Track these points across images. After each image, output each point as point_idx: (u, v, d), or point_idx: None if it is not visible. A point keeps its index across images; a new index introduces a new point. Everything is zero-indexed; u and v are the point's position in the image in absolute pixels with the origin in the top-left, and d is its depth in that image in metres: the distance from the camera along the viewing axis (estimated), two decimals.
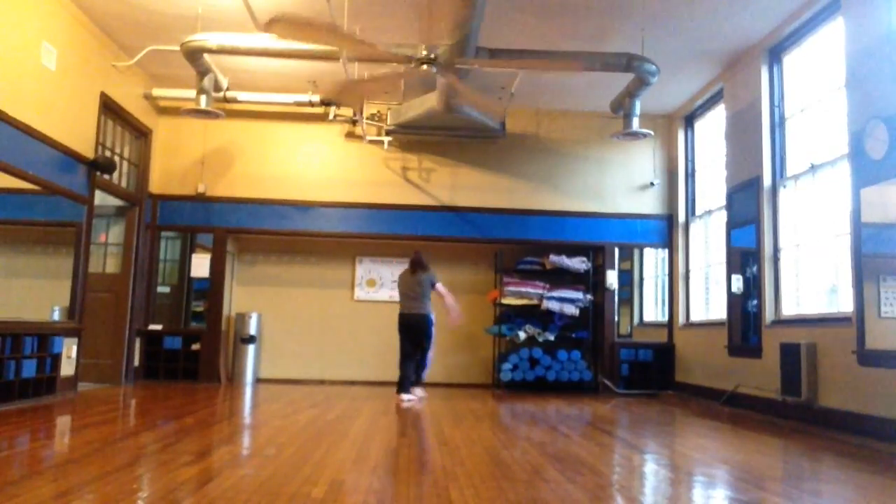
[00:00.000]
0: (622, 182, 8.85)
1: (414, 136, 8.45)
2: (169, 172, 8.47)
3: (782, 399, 5.93)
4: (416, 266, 7.03)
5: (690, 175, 8.68)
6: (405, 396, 6.74)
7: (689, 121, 8.71)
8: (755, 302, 6.65)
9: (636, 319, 9.40)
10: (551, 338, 8.48)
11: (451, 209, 8.63)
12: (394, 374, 8.75)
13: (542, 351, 8.42)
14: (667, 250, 8.87)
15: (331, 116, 8.32)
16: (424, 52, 5.07)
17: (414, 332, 6.87)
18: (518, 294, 8.56)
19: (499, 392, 8.18)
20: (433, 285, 7.01)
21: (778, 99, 6.67)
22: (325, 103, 8.15)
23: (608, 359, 8.54)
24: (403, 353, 6.91)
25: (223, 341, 8.48)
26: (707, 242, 8.26)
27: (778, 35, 6.46)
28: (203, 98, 6.97)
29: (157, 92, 8.04)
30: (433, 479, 3.26)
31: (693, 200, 8.62)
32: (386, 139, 8.52)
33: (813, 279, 6.15)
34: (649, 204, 8.84)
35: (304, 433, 4.55)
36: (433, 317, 7.00)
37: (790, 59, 6.57)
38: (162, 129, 8.45)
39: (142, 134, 8.13)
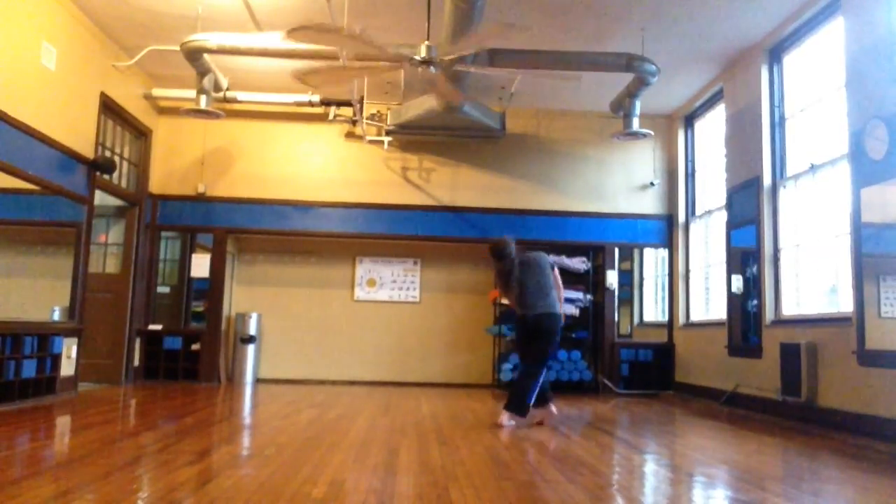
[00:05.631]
0: (622, 182, 8.85)
1: (414, 136, 8.45)
2: (169, 172, 8.47)
3: (782, 399, 5.93)
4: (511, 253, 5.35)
5: (690, 175, 8.68)
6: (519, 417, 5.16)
7: (689, 121, 8.71)
8: (755, 302, 6.65)
9: (636, 319, 9.40)
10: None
11: (451, 209, 8.63)
12: (393, 373, 8.80)
13: None
14: (667, 250, 8.87)
15: (331, 116, 8.32)
16: (424, 54, 5.06)
17: (545, 337, 5.22)
18: None
19: (499, 392, 8.18)
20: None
21: (778, 99, 6.67)
22: (326, 103, 8.15)
23: (608, 359, 8.54)
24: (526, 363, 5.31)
25: (223, 341, 8.47)
26: (707, 242, 8.26)
27: (778, 35, 6.46)
28: (203, 98, 6.96)
29: (157, 92, 8.04)
30: (433, 479, 3.25)
31: (693, 200, 8.62)
32: (386, 139, 8.52)
33: (813, 279, 6.15)
34: (649, 204, 8.84)
35: (304, 433, 4.55)
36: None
37: (790, 59, 6.57)
38: (162, 129, 8.45)
39: (142, 134, 8.13)
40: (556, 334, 5.29)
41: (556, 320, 5.27)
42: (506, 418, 5.08)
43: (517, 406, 5.05)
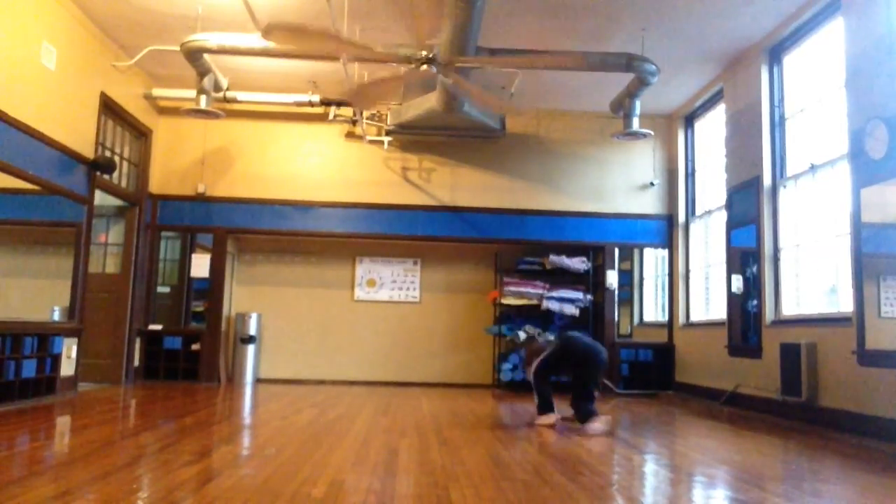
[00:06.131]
0: (622, 182, 8.84)
1: (414, 136, 8.45)
2: (169, 172, 8.47)
3: (782, 399, 5.93)
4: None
5: (690, 175, 8.68)
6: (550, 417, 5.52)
7: (689, 121, 8.71)
8: (755, 302, 6.65)
9: (636, 319, 9.40)
10: (551, 338, 8.47)
11: (451, 209, 8.63)
12: (393, 373, 8.81)
13: None
14: (667, 250, 8.87)
15: (331, 116, 8.32)
16: (424, 53, 5.07)
17: (594, 364, 5.50)
18: (518, 294, 8.56)
19: (499, 392, 8.18)
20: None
21: (778, 99, 6.67)
22: (326, 103, 8.15)
23: (608, 359, 8.53)
24: (549, 382, 5.63)
25: (223, 341, 8.47)
26: (707, 242, 8.26)
27: (778, 35, 6.46)
28: (203, 98, 6.96)
29: (157, 92, 8.04)
30: (433, 479, 3.25)
31: (693, 200, 8.62)
32: (386, 139, 8.52)
33: (813, 279, 6.15)
34: (649, 204, 8.84)
35: (304, 433, 4.55)
36: None
37: (790, 59, 6.57)
38: (162, 129, 8.45)
39: (142, 134, 8.13)
40: (603, 365, 5.53)
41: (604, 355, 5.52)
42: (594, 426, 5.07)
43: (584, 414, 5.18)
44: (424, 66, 5.09)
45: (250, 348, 8.53)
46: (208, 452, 3.89)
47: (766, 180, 6.58)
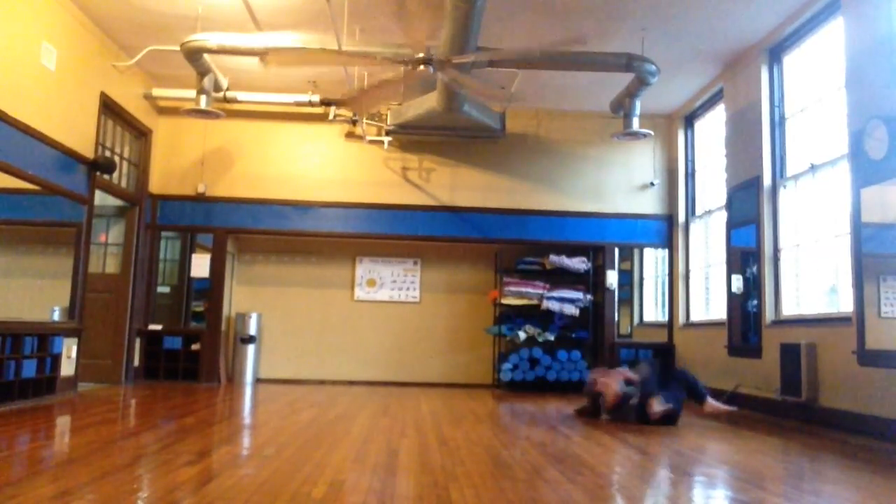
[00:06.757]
0: (622, 182, 8.85)
1: (414, 136, 8.45)
2: (169, 172, 8.47)
3: (782, 399, 5.93)
4: None
5: (690, 175, 8.68)
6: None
7: (689, 121, 8.71)
8: (755, 302, 6.65)
9: (636, 319, 9.40)
10: (551, 338, 8.48)
11: (451, 209, 8.63)
12: (393, 373, 8.81)
13: (543, 351, 8.42)
14: (667, 250, 8.87)
15: (331, 116, 8.32)
16: (423, 53, 5.07)
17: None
18: (518, 294, 8.57)
19: (499, 392, 8.18)
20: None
21: (778, 99, 6.67)
22: (326, 103, 8.14)
23: (608, 359, 8.54)
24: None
25: (223, 341, 8.47)
26: (707, 242, 8.26)
27: (778, 35, 6.46)
28: (203, 98, 6.96)
29: (157, 92, 8.04)
30: (433, 479, 3.25)
31: (693, 200, 8.62)
32: (386, 139, 8.52)
33: (813, 279, 6.15)
34: (649, 204, 8.84)
35: (304, 433, 4.55)
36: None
37: (790, 59, 6.57)
38: (162, 129, 8.45)
39: (142, 134, 8.13)
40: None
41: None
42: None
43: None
44: (423, 67, 5.09)
45: (250, 348, 8.53)
46: (208, 452, 3.89)
47: (766, 180, 6.58)
